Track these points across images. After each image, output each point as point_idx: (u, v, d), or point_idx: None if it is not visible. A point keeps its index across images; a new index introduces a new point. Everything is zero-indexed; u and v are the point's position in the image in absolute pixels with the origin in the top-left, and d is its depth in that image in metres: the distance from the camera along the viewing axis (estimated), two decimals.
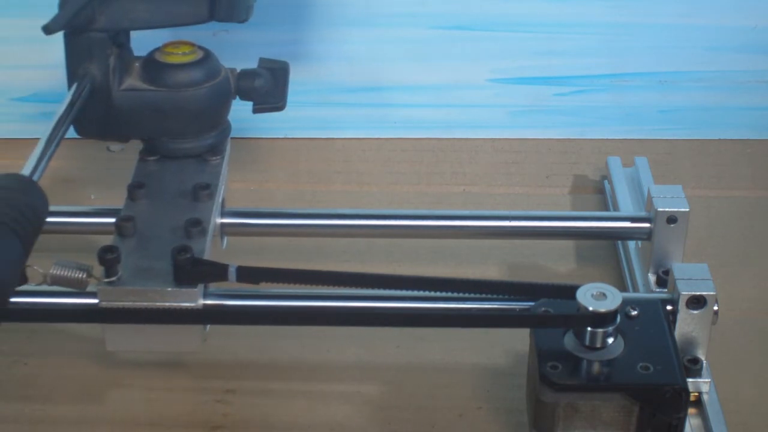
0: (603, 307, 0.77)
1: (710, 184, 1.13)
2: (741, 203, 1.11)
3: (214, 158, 0.93)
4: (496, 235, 0.97)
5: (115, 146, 1.19)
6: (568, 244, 1.04)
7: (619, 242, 1.02)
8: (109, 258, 0.80)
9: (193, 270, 0.80)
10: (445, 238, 1.00)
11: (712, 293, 0.82)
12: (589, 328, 0.78)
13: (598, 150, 1.18)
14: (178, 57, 0.92)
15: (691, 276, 0.82)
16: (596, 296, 0.78)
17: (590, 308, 0.77)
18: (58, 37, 1.16)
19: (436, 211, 0.98)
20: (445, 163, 1.17)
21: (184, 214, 0.87)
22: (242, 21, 0.91)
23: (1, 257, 0.65)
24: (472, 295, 0.82)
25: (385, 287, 0.82)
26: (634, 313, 0.81)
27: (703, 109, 1.19)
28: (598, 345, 0.78)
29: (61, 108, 0.86)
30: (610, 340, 0.79)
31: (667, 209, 0.92)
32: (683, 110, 1.19)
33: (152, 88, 0.91)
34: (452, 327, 0.89)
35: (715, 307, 0.83)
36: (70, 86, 0.90)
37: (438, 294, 0.81)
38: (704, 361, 0.84)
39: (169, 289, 0.80)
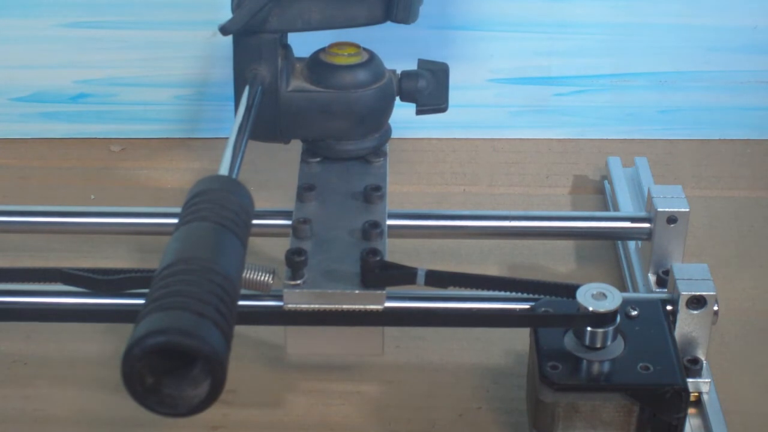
0: (603, 307, 0.77)
1: (710, 184, 1.13)
2: (741, 203, 1.11)
3: (377, 160, 0.94)
4: (496, 235, 0.97)
5: (115, 146, 1.19)
6: (568, 244, 1.04)
7: (619, 242, 1.02)
8: (297, 260, 0.80)
9: (381, 273, 0.80)
10: (445, 238, 1.00)
11: (712, 293, 0.82)
12: (589, 328, 0.78)
13: (598, 150, 1.18)
14: (344, 58, 0.92)
15: (691, 276, 0.82)
16: (596, 296, 0.78)
17: (590, 308, 0.77)
18: (58, 37, 1.16)
19: (436, 211, 0.98)
20: (445, 163, 1.17)
21: (359, 216, 0.87)
22: (411, 23, 0.91)
23: (230, 258, 0.65)
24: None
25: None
26: (634, 313, 0.81)
27: (703, 109, 1.19)
28: (598, 345, 0.78)
29: (240, 110, 0.86)
30: (610, 340, 0.79)
31: (667, 209, 0.92)
32: (683, 110, 1.19)
33: (320, 89, 0.91)
34: (452, 327, 0.89)
35: (715, 307, 0.83)
36: (236, 87, 0.90)
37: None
38: (704, 361, 0.84)
39: (357, 291, 0.80)
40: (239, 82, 0.90)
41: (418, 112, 0.95)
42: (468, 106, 1.19)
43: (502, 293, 0.81)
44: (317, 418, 0.86)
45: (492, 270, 1.01)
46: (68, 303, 0.83)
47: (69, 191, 1.12)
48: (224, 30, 0.87)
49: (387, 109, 0.94)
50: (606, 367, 0.78)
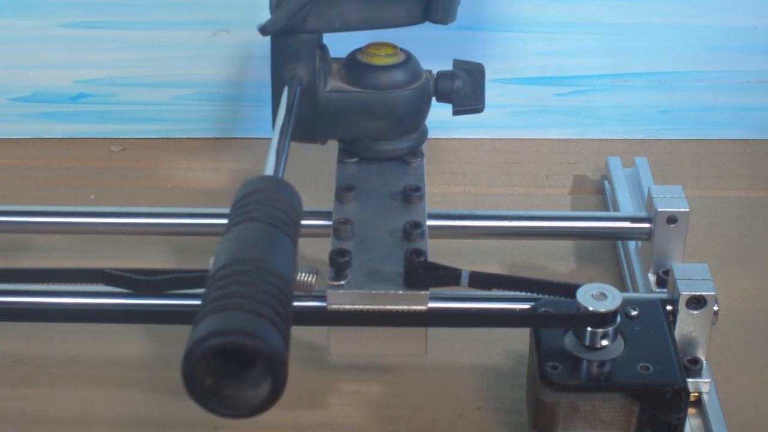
0: (603, 307, 0.77)
1: (710, 184, 1.13)
2: (741, 203, 1.11)
3: (414, 160, 0.94)
4: (496, 235, 0.97)
5: (115, 146, 1.19)
6: (568, 244, 1.04)
7: (619, 242, 1.02)
8: (341, 261, 0.80)
9: (425, 274, 0.80)
10: (445, 238, 1.00)
11: (712, 293, 0.82)
12: (589, 329, 0.78)
13: (598, 150, 1.18)
14: (381, 59, 0.92)
15: (691, 276, 0.82)
16: (596, 296, 0.78)
17: (590, 308, 0.77)
18: (58, 37, 1.16)
19: (436, 211, 0.98)
20: (445, 163, 1.17)
21: (399, 217, 0.87)
22: (450, 23, 0.91)
23: (282, 258, 0.65)
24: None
25: None
26: (634, 313, 0.81)
27: (703, 109, 1.19)
28: (599, 345, 0.78)
29: (281, 111, 0.85)
30: (610, 341, 0.79)
31: (667, 209, 0.92)
32: (683, 110, 1.19)
33: (358, 89, 0.91)
34: (452, 327, 0.89)
35: (715, 307, 0.83)
36: (274, 87, 0.90)
37: None
38: (704, 361, 0.84)
39: (400, 292, 0.80)
40: (277, 82, 0.90)
41: (455, 113, 0.95)
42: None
43: (502, 293, 0.82)
44: (317, 418, 0.86)
45: (492, 270, 1.01)
46: (71, 303, 0.83)
47: (69, 191, 1.12)
48: (264, 30, 0.87)
49: (424, 109, 0.94)
50: (606, 367, 0.78)
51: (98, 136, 1.20)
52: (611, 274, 1.01)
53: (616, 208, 1.05)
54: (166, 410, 0.87)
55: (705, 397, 0.84)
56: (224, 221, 0.92)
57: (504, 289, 0.80)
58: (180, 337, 0.92)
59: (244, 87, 1.18)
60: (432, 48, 1.17)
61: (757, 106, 1.19)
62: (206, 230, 0.95)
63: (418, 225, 0.85)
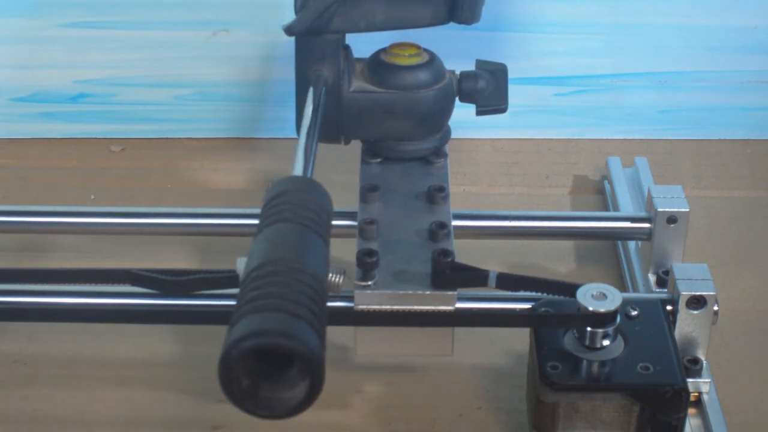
0: (603, 307, 0.77)
1: (710, 184, 1.13)
2: (741, 203, 1.11)
3: (438, 161, 0.94)
4: (496, 235, 0.97)
5: (115, 146, 1.19)
6: (568, 244, 1.04)
7: (619, 242, 1.02)
8: (369, 261, 0.80)
9: (452, 274, 0.80)
10: None
11: (712, 293, 0.82)
12: (589, 329, 0.78)
13: (598, 150, 1.18)
14: (405, 59, 0.92)
15: (691, 276, 0.82)
16: (596, 296, 0.78)
17: (590, 308, 0.77)
18: (58, 37, 1.16)
19: None
20: None
21: (424, 217, 0.87)
22: (475, 23, 0.92)
23: (316, 258, 0.65)
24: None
25: None
26: (634, 313, 0.81)
27: (703, 109, 1.19)
28: (598, 345, 0.78)
29: (307, 111, 0.85)
30: (610, 341, 0.79)
31: (667, 209, 0.92)
32: (683, 110, 1.19)
33: (382, 89, 0.91)
34: (452, 327, 0.89)
35: (715, 307, 0.83)
36: (298, 88, 0.90)
37: None
38: (704, 361, 0.84)
39: (428, 292, 0.80)
40: (301, 83, 0.90)
41: (479, 113, 0.95)
42: (468, 106, 1.19)
43: (504, 293, 0.82)
44: (317, 418, 0.86)
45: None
46: (73, 303, 0.83)
47: (69, 191, 1.12)
48: (289, 30, 0.87)
49: (448, 109, 0.94)
50: (606, 367, 0.78)
51: (98, 136, 1.20)
52: (611, 274, 1.01)
53: (616, 208, 1.05)
54: (166, 410, 0.87)
55: (705, 397, 0.84)
56: (224, 221, 0.94)
57: (531, 290, 0.80)
58: (180, 337, 0.93)
59: (245, 87, 1.18)
60: (432, 47, 1.17)
61: (757, 106, 1.19)
62: (207, 230, 0.95)
63: (443, 225, 0.85)
